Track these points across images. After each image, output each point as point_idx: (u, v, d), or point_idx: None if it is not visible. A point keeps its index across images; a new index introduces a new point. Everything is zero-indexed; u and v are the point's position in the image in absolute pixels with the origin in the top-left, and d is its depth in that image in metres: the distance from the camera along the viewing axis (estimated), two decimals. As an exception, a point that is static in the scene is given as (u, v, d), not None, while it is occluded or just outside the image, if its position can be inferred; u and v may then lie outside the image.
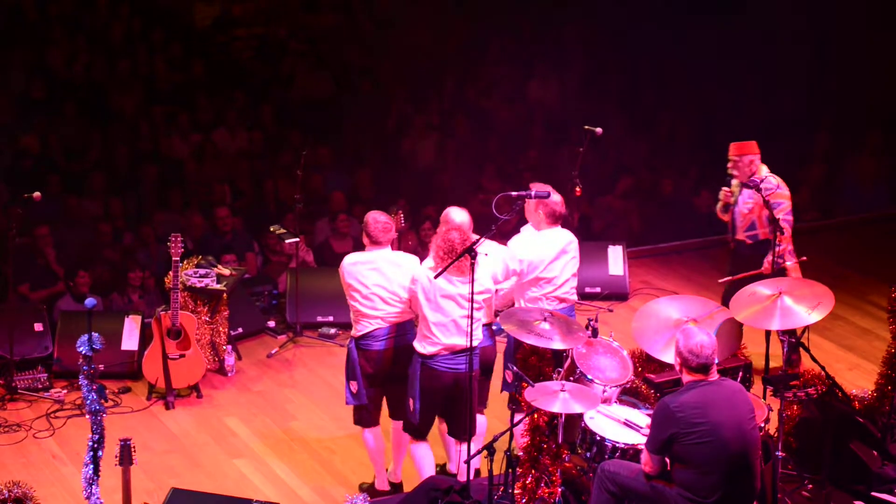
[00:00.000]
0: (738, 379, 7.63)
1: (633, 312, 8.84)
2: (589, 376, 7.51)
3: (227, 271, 9.89)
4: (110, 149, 13.36)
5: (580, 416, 7.27)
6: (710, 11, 14.53)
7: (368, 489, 8.20)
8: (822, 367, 8.11)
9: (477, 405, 7.79)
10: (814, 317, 7.33)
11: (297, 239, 10.54)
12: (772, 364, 8.18)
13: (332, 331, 10.42)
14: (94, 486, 6.82)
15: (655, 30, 14.88)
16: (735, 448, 6.46)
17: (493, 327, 8.12)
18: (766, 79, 14.81)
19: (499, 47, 15.44)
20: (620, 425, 7.32)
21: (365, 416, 8.04)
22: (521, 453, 7.51)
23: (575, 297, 8.27)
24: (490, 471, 7.22)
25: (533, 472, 7.35)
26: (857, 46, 14.67)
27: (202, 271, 9.69)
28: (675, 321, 7.54)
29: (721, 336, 7.35)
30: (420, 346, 7.66)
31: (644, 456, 6.72)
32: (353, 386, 7.95)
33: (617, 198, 13.11)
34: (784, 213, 8.95)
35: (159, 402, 9.37)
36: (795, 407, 8.19)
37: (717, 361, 6.61)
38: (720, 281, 9.29)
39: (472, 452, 7.43)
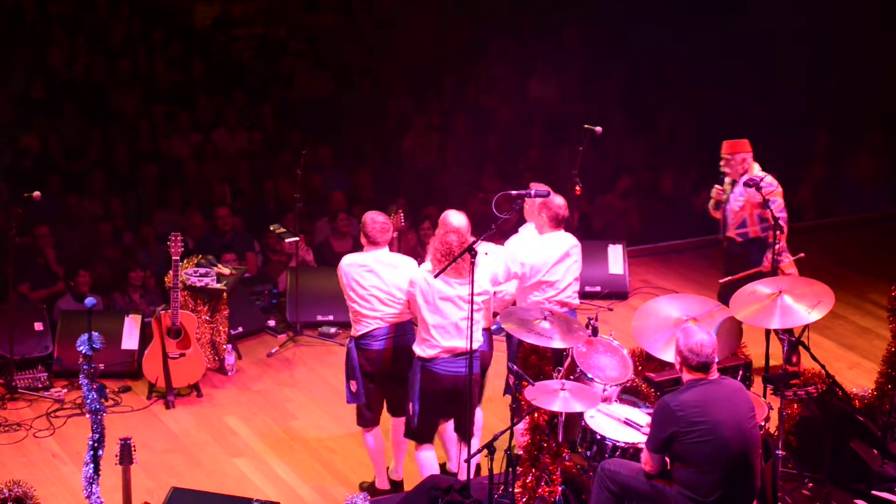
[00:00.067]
0: (739, 378, 7.62)
1: (633, 311, 8.84)
2: (589, 375, 7.51)
3: (227, 270, 9.89)
4: (110, 149, 13.37)
5: (580, 414, 7.27)
6: (710, 11, 14.53)
7: (369, 488, 8.21)
8: (823, 366, 8.10)
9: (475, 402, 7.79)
10: (814, 315, 7.32)
11: (297, 238, 10.55)
12: (772, 363, 8.18)
13: (332, 330, 10.42)
14: (94, 486, 6.81)
15: (655, 30, 14.88)
16: (735, 447, 6.46)
17: (493, 327, 8.12)
18: (766, 79, 14.81)
19: (499, 47, 15.45)
20: (621, 424, 7.32)
21: (366, 416, 8.04)
22: (521, 452, 7.52)
23: (577, 302, 8.25)
24: (490, 470, 7.22)
25: (533, 470, 7.35)
26: (857, 46, 14.66)
27: (202, 270, 9.69)
28: (675, 320, 7.54)
29: (721, 335, 7.35)
30: (420, 350, 7.65)
31: (644, 455, 6.72)
32: (353, 385, 7.96)
33: (617, 197, 13.11)
34: (777, 210, 8.96)
35: (159, 402, 9.37)
36: (796, 405, 8.19)
37: (717, 360, 6.60)
38: (721, 281, 9.29)
39: (473, 451, 7.44)
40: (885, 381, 8.35)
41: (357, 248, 8.22)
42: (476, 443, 7.84)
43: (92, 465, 6.78)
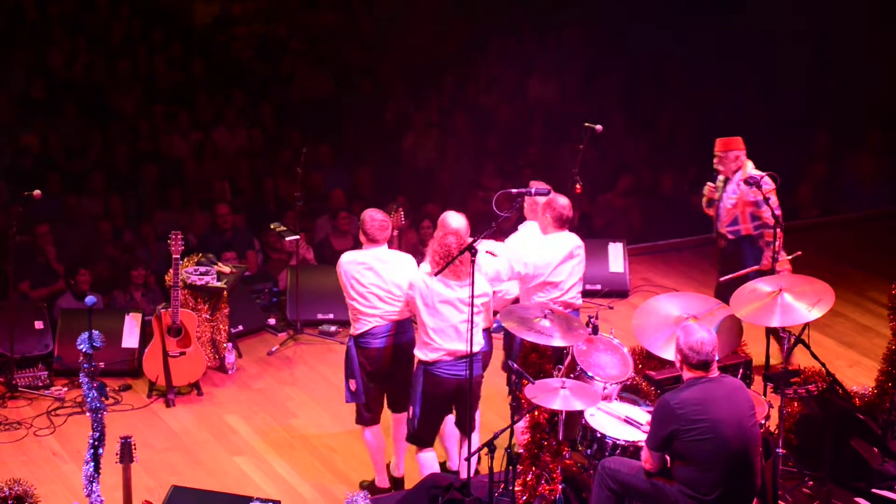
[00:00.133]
0: (739, 376, 7.62)
1: (633, 309, 8.85)
2: (589, 373, 7.51)
3: (227, 269, 9.88)
4: (110, 148, 13.38)
5: (581, 413, 7.27)
6: (710, 11, 14.54)
7: (369, 487, 8.20)
8: (823, 364, 8.11)
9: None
10: (814, 313, 7.32)
11: (298, 236, 10.55)
12: (772, 361, 8.18)
13: (333, 328, 10.42)
14: (94, 484, 6.80)
15: (655, 30, 14.89)
16: (735, 445, 6.46)
17: (493, 326, 8.12)
18: (766, 79, 14.82)
19: (499, 46, 15.46)
20: (621, 422, 7.32)
21: (365, 415, 8.04)
22: (521, 450, 7.52)
23: (580, 302, 8.24)
24: (490, 468, 7.22)
25: (533, 469, 7.35)
26: (857, 46, 14.67)
27: (202, 269, 9.69)
28: (676, 318, 7.54)
29: (721, 333, 7.35)
30: (422, 354, 7.63)
31: (644, 453, 6.72)
32: (353, 384, 7.95)
33: (617, 195, 13.12)
34: (773, 207, 8.96)
35: (160, 400, 9.37)
36: (796, 404, 8.19)
37: (717, 358, 6.60)
38: (721, 280, 9.29)
39: (473, 450, 7.44)
40: (885, 379, 8.35)
41: (357, 246, 8.23)
42: (474, 442, 7.83)
43: (92, 464, 6.78)
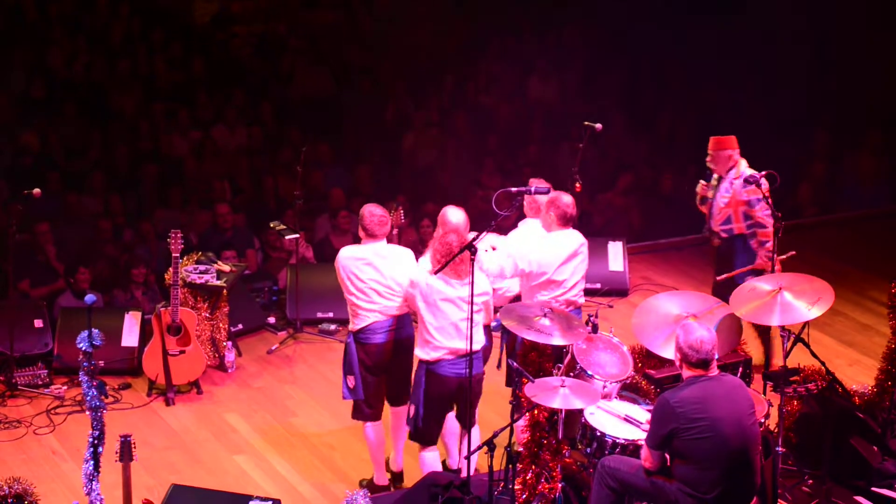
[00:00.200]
0: (738, 374, 7.62)
1: (633, 308, 8.85)
2: (589, 372, 7.51)
3: (227, 268, 9.88)
4: (110, 148, 13.38)
5: (580, 411, 7.27)
6: (710, 11, 14.55)
7: (369, 485, 8.20)
8: (823, 363, 8.11)
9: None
10: (814, 312, 7.32)
11: (297, 235, 10.55)
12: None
13: (333, 327, 10.42)
14: (94, 483, 6.80)
15: (655, 30, 14.90)
16: (735, 443, 6.46)
17: (493, 324, 8.12)
18: (766, 79, 14.82)
19: (499, 46, 15.47)
20: (621, 421, 7.32)
21: (365, 411, 8.03)
22: (521, 449, 7.51)
23: (582, 300, 8.24)
24: (490, 466, 7.21)
25: (533, 467, 7.35)
26: (857, 46, 14.68)
27: (202, 267, 9.69)
28: (675, 317, 7.54)
29: (721, 331, 7.34)
30: (423, 353, 7.62)
31: (644, 452, 6.72)
32: (351, 381, 7.95)
33: (617, 194, 13.13)
34: (766, 207, 8.96)
35: (159, 399, 9.37)
36: (795, 402, 8.19)
37: (717, 357, 6.60)
38: (719, 279, 9.29)
39: (473, 448, 7.44)
40: (885, 377, 8.35)
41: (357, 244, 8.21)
42: (474, 438, 7.83)
43: (92, 462, 6.78)
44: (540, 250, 8.00)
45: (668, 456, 6.64)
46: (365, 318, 7.82)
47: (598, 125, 9.42)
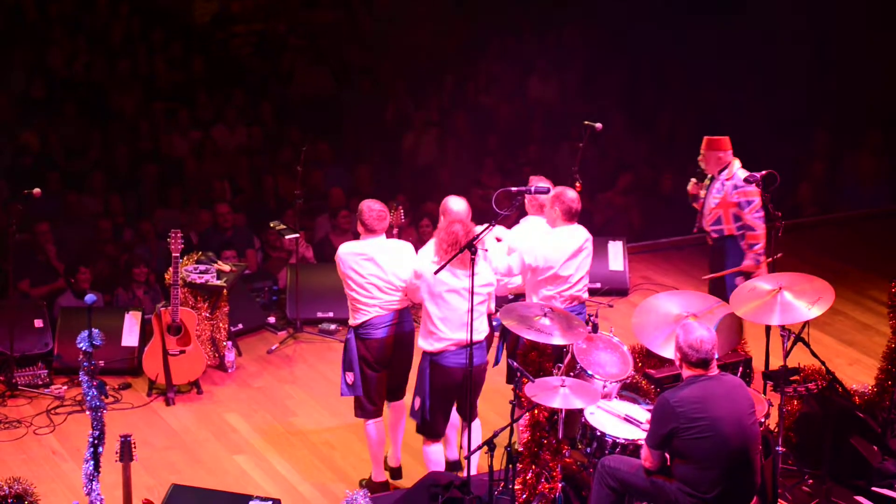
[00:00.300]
0: (738, 374, 7.62)
1: (633, 308, 8.85)
2: (589, 372, 7.51)
3: (227, 267, 9.89)
4: (110, 148, 13.38)
5: (580, 411, 7.27)
6: (710, 11, 14.55)
7: (369, 484, 8.20)
8: (823, 363, 8.11)
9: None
10: (814, 312, 7.32)
11: (297, 235, 10.55)
12: (772, 359, 8.18)
13: (333, 326, 10.42)
14: (94, 483, 6.80)
15: (655, 30, 14.90)
16: (735, 443, 6.46)
17: (493, 323, 8.12)
18: (766, 79, 14.82)
19: (499, 46, 15.47)
20: (621, 421, 7.31)
21: (368, 408, 8.02)
22: (521, 448, 7.51)
23: (586, 296, 8.24)
24: (490, 466, 7.21)
25: (533, 467, 7.35)
26: (857, 46, 14.68)
27: (202, 267, 9.69)
28: (676, 316, 7.54)
29: (721, 331, 7.35)
30: (426, 344, 7.62)
31: (644, 451, 6.72)
32: (350, 377, 7.94)
33: (617, 194, 13.12)
34: (755, 210, 8.96)
35: (159, 399, 9.37)
36: (796, 402, 8.19)
37: (717, 356, 6.60)
38: (704, 278, 9.31)
39: (473, 448, 7.44)
40: (885, 377, 8.35)
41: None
42: (475, 430, 7.84)
43: (92, 462, 6.78)
44: (546, 245, 7.99)
45: (668, 456, 6.64)
46: (365, 312, 7.82)
47: (598, 125, 9.43)
